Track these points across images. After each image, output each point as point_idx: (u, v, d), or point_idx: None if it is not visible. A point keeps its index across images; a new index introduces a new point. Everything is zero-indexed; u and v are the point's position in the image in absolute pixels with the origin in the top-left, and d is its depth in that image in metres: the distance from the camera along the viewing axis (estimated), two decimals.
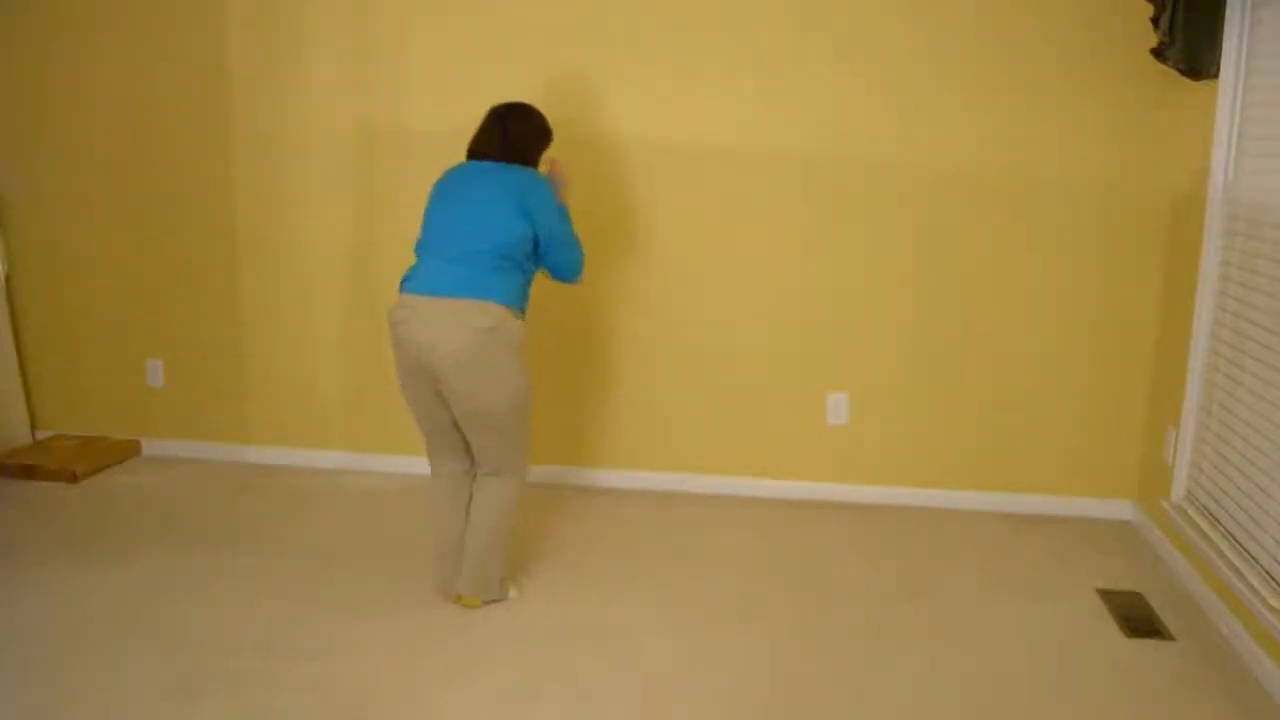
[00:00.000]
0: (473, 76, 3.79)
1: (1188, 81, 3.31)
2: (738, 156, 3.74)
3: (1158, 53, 3.27)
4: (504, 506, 2.98)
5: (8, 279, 4.27)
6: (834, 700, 2.59)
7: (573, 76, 3.76)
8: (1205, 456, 3.23)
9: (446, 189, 2.93)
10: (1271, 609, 2.64)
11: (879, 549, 3.52)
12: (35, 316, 4.31)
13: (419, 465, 4.02)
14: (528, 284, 2.92)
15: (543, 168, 3.06)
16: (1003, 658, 2.81)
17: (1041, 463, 3.82)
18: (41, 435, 4.39)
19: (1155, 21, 3.24)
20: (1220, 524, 3.07)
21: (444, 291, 2.78)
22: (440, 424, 2.94)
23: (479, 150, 2.96)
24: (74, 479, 3.99)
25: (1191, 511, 3.23)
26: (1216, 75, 3.15)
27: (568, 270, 3.00)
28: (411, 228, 3.18)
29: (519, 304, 2.87)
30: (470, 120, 3.05)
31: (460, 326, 2.74)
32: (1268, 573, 2.77)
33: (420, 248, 2.92)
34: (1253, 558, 2.85)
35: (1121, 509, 3.81)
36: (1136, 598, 3.18)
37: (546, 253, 2.93)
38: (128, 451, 4.28)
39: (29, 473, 4.02)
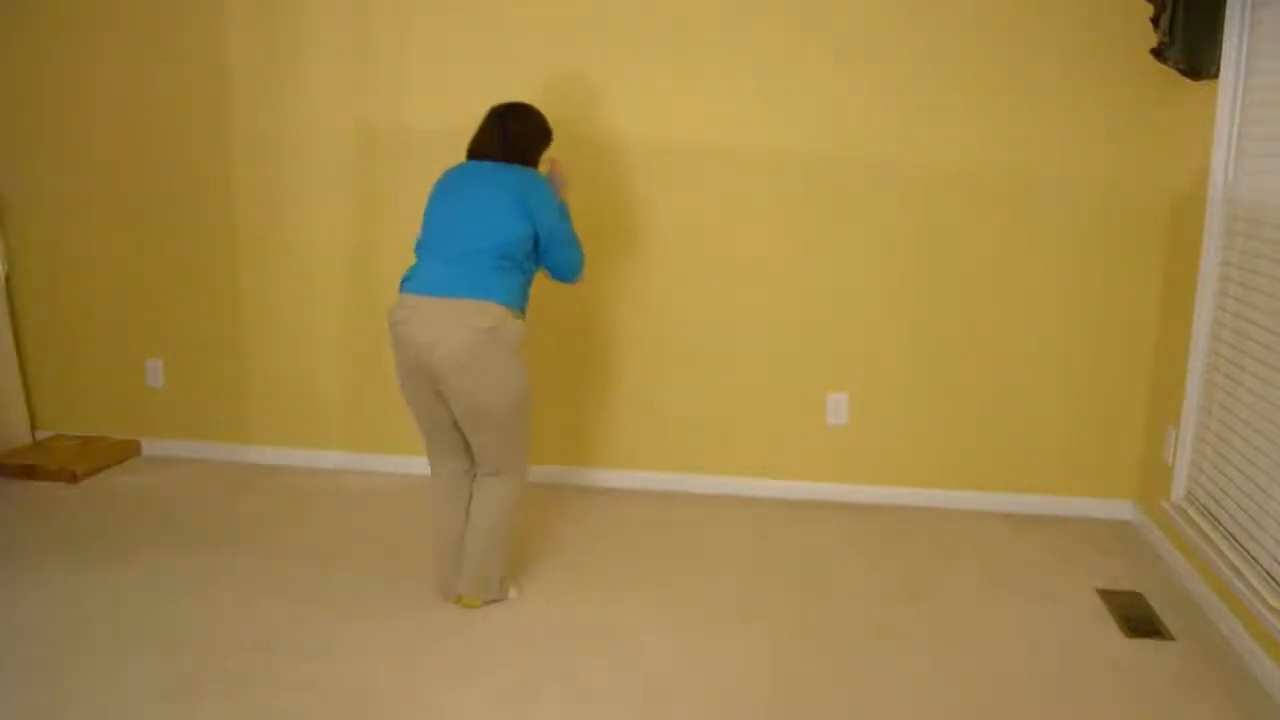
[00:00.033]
0: (473, 76, 3.79)
1: (1188, 81, 3.31)
2: (738, 156, 3.74)
3: (1158, 53, 3.27)
4: (504, 506, 2.98)
5: (8, 279, 4.27)
6: (834, 700, 2.59)
7: (573, 76, 3.76)
8: (1205, 456, 3.23)
9: (447, 189, 2.93)
10: (1271, 609, 2.64)
11: (879, 549, 3.52)
12: (35, 316, 4.32)
13: (419, 465, 4.02)
14: (528, 284, 2.92)
15: (543, 167, 3.06)
16: (1003, 658, 2.81)
17: (1041, 463, 3.82)
18: (41, 435, 4.39)
19: (1155, 21, 3.24)
20: (1220, 524, 3.07)
21: (444, 291, 2.78)
22: (440, 424, 2.94)
23: (479, 150, 2.96)
24: (74, 479, 3.99)
25: (1191, 511, 3.23)
26: (1216, 75, 3.15)
27: (568, 270, 3.00)
28: (411, 228, 3.18)
29: (519, 304, 2.87)
30: (470, 120, 3.05)
31: (460, 326, 2.74)
32: (1268, 573, 2.77)
33: (420, 248, 2.92)
34: (1253, 558, 2.85)
35: (1121, 509, 3.81)
36: (1136, 598, 3.18)
37: (546, 252, 2.93)
38: (128, 451, 4.28)
39: (29, 473, 4.02)
